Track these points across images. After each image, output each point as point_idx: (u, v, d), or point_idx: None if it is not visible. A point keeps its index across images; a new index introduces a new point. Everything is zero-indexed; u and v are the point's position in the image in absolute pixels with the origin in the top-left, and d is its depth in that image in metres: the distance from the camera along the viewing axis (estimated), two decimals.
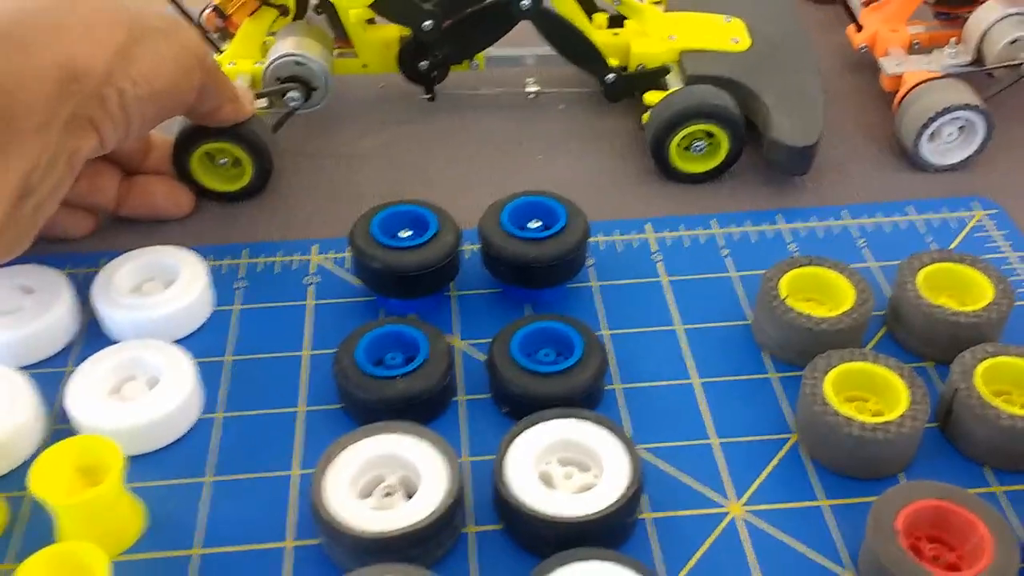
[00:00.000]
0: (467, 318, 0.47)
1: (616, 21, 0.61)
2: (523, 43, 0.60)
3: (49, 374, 0.44)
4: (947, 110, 0.53)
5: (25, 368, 0.44)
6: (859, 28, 0.61)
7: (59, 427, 0.42)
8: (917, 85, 0.55)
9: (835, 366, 0.41)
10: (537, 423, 0.39)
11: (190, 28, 0.46)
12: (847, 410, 0.39)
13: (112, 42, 0.40)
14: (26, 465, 0.40)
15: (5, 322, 0.45)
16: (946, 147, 0.55)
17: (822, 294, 0.46)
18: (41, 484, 0.36)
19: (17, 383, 0.42)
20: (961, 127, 0.55)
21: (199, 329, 0.47)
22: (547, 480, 0.38)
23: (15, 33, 0.38)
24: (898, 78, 0.58)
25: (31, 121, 0.38)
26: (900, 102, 0.56)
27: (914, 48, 0.60)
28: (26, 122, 0.37)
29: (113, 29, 0.41)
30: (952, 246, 0.50)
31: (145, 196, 0.52)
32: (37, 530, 0.38)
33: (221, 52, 0.59)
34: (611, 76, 0.59)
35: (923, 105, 0.54)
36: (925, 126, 0.54)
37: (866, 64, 0.62)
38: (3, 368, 0.42)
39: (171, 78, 0.43)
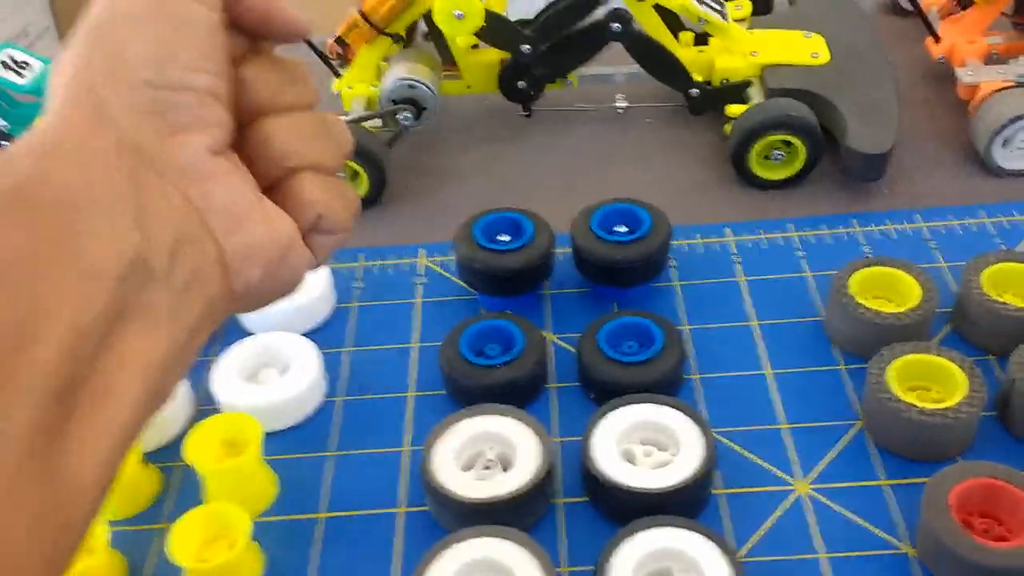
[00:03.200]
0: (559, 314, 0.52)
1: (701, 39, 0.65)
2: (613, 61, 0.65)
3: (197, 361, 0.51)
4: (1020, 117, 0.56)
5: None
6: (937, 40, 0.64)
7: (203, 408, 0.49)
8: (992, 93, 0.58)
9: (899, 357, 0.44)
10: (620, 407, 0.44)
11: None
12: (909, 397, 0.43)
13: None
14: (176, 440, 0.47)
15: None
16: (1019, 152, 0.58)
17: (890, 291, 0.49)
18: (194, 453, 0.43)
19: None
20: None
21: (323, 323, 0.53)
22: (629, 457, 0.43)
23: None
24: (974, 87, 0.60)
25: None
26: (974, 110, 0.58)
27: (992, 58, 0.62)
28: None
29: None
30: (1020, 247, 0.53)
31: None
32: (185, 496, 0.45)
33: (340, 77, 0.65)
34: (695, 91, 0.63)
35: (997, 112, 0.57)
36: (998, 132, 0.56)
37: (943, 74, 0.65)
38: None
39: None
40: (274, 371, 0.49)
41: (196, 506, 0.42)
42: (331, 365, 0.50)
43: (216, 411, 0.47)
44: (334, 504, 0.44)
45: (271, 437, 0.47)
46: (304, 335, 0.51)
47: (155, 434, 0.47)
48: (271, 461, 0.45)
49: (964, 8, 0.63)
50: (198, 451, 0.43)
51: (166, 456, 0.47)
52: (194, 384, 0.49)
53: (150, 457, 0.46)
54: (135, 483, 0.44)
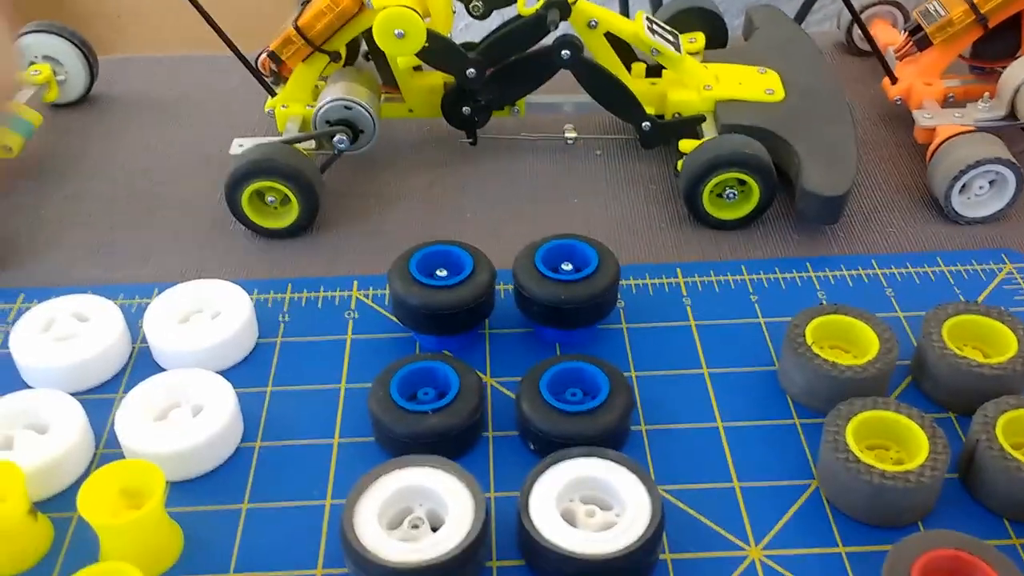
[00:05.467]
0: (499, 356, 0.49)
1: (654, 71, 0.63)
2: (562, 91, 0.62)
3: (100, 400, 0.47)
4: (978, 163, 0.54)
5: (78, 394, 0.46)
6: (894, 81, 0.62)
7: (107, 451, 0.44)
8: (949, 138, 0.56)
9: (857, 414, 0.42)
10: (561, 461, 0.41)
11: None
12: (868, 458, 0.40)
13: None
14: (73, 488, 0.42)
15: (61, 349, 0.47)
16: (977, 200, 0.56)
17: (847, 342, 0.46)
18: (88, 505, 0.38)
19: (69, 408, 0.44)
20: (992, 180, 0.55)
21: (243, 360, 0.49)
22: (569, 517, 0.39)
23: None
24: (931, 131, 0.58)
25: None
26: (932, 155, 0.57)
27: (948, 101, 0.60)
28: None
29: None
30: (980, 298, 0.51)
31: None
32: (81, 551, 0.40)
33: (274, 95, 0.62)
34: (647, 124, 0.60)
35: (955, 158, 0.55)
36: (956, 179, 0.55)
37: (901, 116, 0.63)
38: (57, 393, 0.45)
39: None
40: (185, 413, 0.44)
41: (91, 564, 0.37)
42: (250, 406, 0.46)
43: (120, 456, 0.43)
44: (244, 563, 0.40)
45: (179, 486, 0.43)
46: (222, 372, 0.47)
47: (48, 481, 0.42)
48: (177, 514, 0.41)
49: (921, 49, 0.61)
50: (92, 503, 0.38)
51: (60, 506, 0.42)
52: (95, 425, 0.45)
53: (42, 507, 0.42)
54: (22, 536, 0.40)
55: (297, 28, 0.58)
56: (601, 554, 0.37)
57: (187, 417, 0.44)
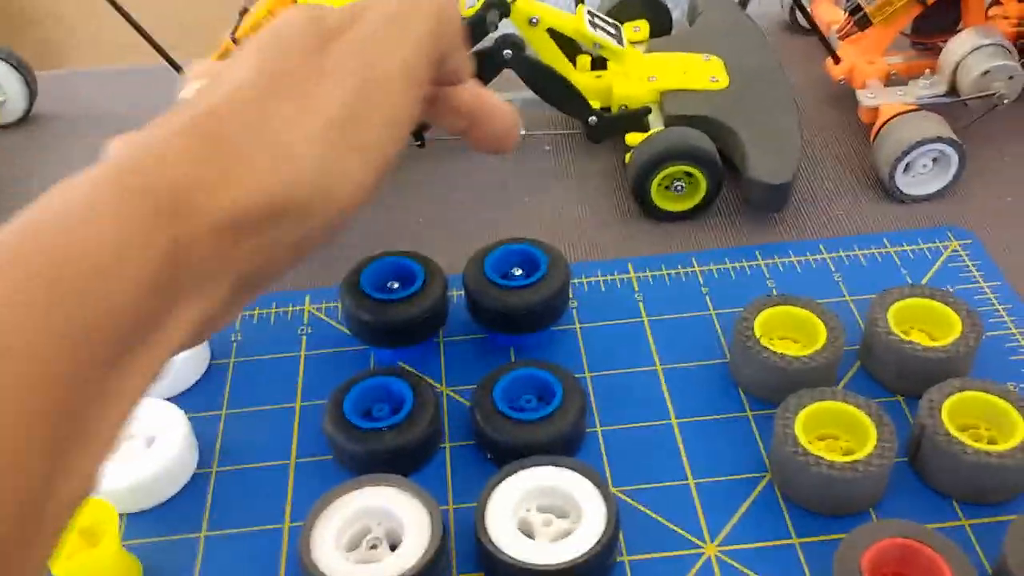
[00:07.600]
0: (454, 364, 0.49)
1: (600, 63, 0.63)
2: (508, 88, 0.62)
3: None
4: (920, 143, 0.54)
5: None
6: (837, 61, 0.62)
7: None
8: (892, 118, 0.56)
9: (805, 406, 0.42)
10: (516, 471, 0.41)
11: None
12: (817, 449, 0.41)
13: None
14: None
15: None
16: (921, 178, 0.56)
17: (796, 332, 0.47)
18: None
19: None
20: (935, 158, 0.56)
21: (196, 383, 0.49)
22: (526, 528, 0.40)
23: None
24: (875, 110, 0.59)
25: None
26: (876, 135, 0.57)
27: (892, 79, 0.61)
28: None
29: None
30: (926, 278, 0.51)
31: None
32: None
33: None
34: (593, 118, 0.60)
35: (898, 138, 0.55)
36: (899, 159, 0.55)
37: (846, 95, 0.63)
38: None
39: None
40: (139, 443, 0.44)
41: None
42: (204, 431, 0.46)
43: None
44: None
45: (136, 517, 0.43)
46: (175, 398, 0.47)
47: None
48: (135, 546, 0.41)
49: (862, 29, 0.62)
50: None
51: None
52: None
53: None
54: None
55: (235, 41, 0.58)
56: (558, 563, 0.37)
57: (142, 448, 0.44)
